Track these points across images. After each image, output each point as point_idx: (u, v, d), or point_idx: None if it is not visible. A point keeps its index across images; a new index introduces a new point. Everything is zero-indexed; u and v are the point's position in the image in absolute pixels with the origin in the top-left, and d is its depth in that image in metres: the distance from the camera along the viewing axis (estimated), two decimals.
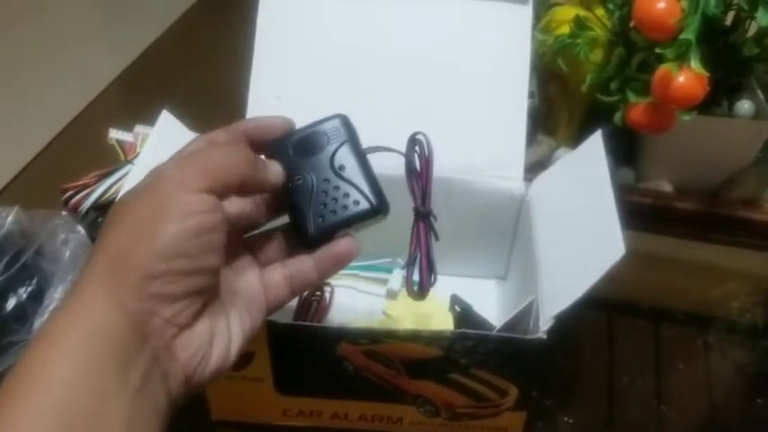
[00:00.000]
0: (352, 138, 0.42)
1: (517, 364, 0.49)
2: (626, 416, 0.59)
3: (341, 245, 0.41)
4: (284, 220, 0.43)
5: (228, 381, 0.52)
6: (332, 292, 0.64)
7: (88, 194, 0.63)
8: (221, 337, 0.37)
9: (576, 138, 0.70)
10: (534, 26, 0.69)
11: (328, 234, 0.41)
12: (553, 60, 0.68)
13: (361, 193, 0.41)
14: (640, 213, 0.70)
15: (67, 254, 0.56)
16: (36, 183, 0.76)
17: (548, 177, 0.57)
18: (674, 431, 0.58)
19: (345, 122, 0.43)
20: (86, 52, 1.85)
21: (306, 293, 0.63)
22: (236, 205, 0.41)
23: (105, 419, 0.31)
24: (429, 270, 0.44)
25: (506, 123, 0.59)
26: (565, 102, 0.72)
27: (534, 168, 0.60)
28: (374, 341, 0.48)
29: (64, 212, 0.58)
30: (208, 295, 0.36)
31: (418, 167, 0.44)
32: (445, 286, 0.59)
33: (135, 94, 0.93)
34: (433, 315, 0.60)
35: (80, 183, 0.64)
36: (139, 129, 0.68)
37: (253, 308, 0.40)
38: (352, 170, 0.41)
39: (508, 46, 0.60)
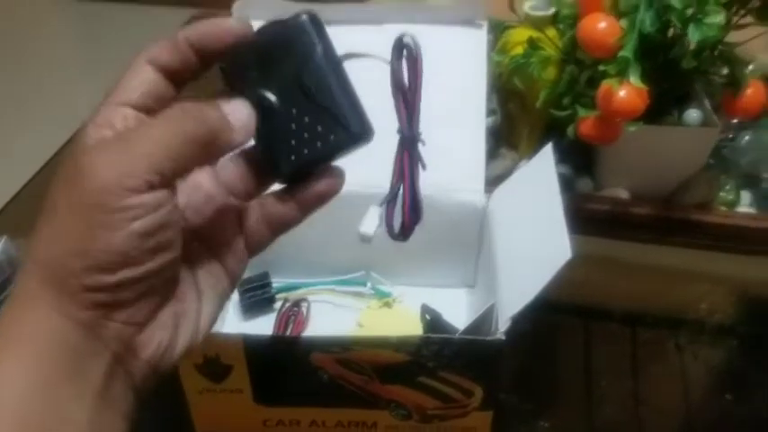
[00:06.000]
0: (323, 42, 0.33)
1: (480, 365, 0.51)
2: (605, 418, 0.61)
3: (322, 184, 0.35)
4: None
5: (210, 393, 0.54)
6: (308, 308, 0.67)
7: None
8: (188, 317, 0.33)
9: (538, 150, 0.73)
10: (492, 48, 0.73)
11: (306, 171, 0.35)
12: (510, 79, 0.72)
13: (337, 119, 0.33)
14: (600, 220, 0.73)
15: None
16: (23, 214, 0.77)
17: (505, 189, 0.60)
18: (653, 430, 0.61)
19: (314, 22, 0.33)
20: (70, 86, 1.89)
21: (283, 310, 0.66)
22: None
23: (66, 427, 0.29)
24: (413, 207, 0.39)
25: (467, 140, 0.62)
26: (524, 117, 0.76)
27: (499, 181, 0.63)
28: (345, 349, 0.50)
29: None
30: (166, 288, 0.32)
31: (406, 80, 0.37)
32: (417, 296, 0.63)
33: None
34: (404, 324, 0.63)
35: None
36: None
37: (232, 263, 0.36)
38: (326, 89, 0.33)
39: (466, 67, 0.63)
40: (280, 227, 0.36)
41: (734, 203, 0.75)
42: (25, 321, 0.30)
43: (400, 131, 0.38)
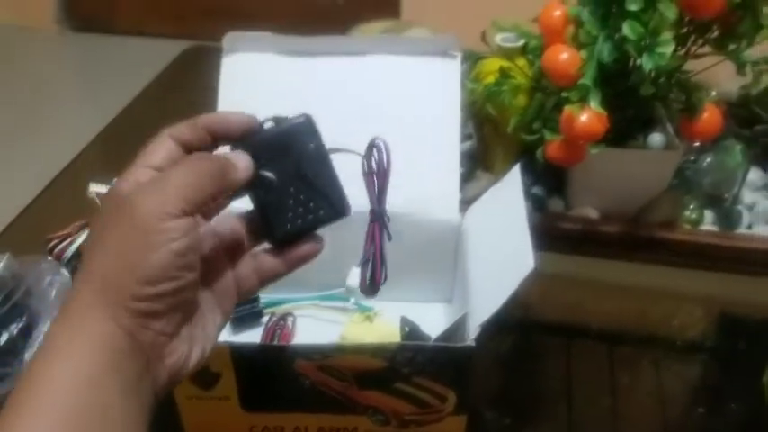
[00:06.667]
0: (316, 141, 0.43)
1: (452, 371, 0.54)
2: None
3: (307, 246, 0.44)
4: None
5: (199, 401, 0.56)
6: (294, 321, 0.70)
7: (70, 243, 0.68)
8: (199, 339, 0.40)
9: None
10: (466, 77, 0.76)
11: (295, 237, 0.43)
12: (484, 106, 0.76)
13: (326, 198, 0.43)
14: (571, 238, 0.76)
15: (53, 294, 0.62)
16: (25, 233, 0.81)
17: (477, 207, 0.64)
18: None
19: (310, 124, 0.43)
20: (68, 115, 1.93)
21: (270, 323, 0.70)
22: None
23: (107, 421, 0.35)
24: (381, 268, 0.48)
25: (443, 162, 0.66)
26: (498, 141, 0.79)
27: (474, 202, 0.65)
28: (326, 356, 0.53)
29: (49, 258, 0.64)
30: (189, 306, 0.40)
31: (375, 169, 0.47)
32: (397, 311, 0.65)
33: (113, 152, 0.97)
34: (385, 337, 0.65)
35: (63, 233, 0.69)
36: None
37: (225, 302, 0.43)
38: (317, 175, 0.43)
39: (441, 95, 0.66)
40: (267, 278, 0.44)
41: (697, 222, 0.78)
42: (79, 323, 0.36)
43: (371, 209, 0.48)
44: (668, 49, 0.59)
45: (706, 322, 0.76)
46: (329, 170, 0.43)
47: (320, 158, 0.43)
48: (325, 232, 0.44)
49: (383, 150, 0.46)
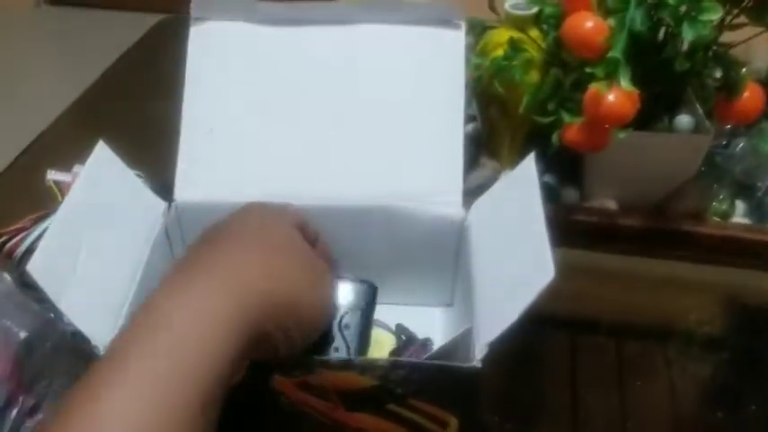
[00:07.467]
0: (369, 307, 0.53)
1: (454, 393, 0.48)
2: None
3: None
4: None
5: None
6: None
7: (24, 238, 0.63)
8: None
9: (520, 159, 0.71)
10: (471, 50, 0.70)
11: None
12: (491, 83, 0.69)
13: (348, 350, 0.50)
14: (587, 232, 0.71)
15: None
16: None
17: (484, 201, 0.57)
18: None
19: (372, 292, 0.53)
20: (37, 94, 1.87)
21: None
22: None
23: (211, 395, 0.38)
24: None
25: (443, 148, 0.60)
26: (505, 124, 0.73)
27: (479, 192, 0.60)
28: (308, 371, 0.48)
29: None
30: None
31: (406, 354, 0.56)
32: (391, 315, 0.60)
33: (75, 134, 0.91)
34: (379, 345, 0.59)
35: (16, 227, 0.64)
36: (77, 168, 0.68)
37: None
38: (353, 333, 0.51)
39: (442, 71, 0.60)
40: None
41: (728, 214, 0.73)
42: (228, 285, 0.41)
43: None
44: (714, 17, 0.52)
45: (729, 318, 0.72)
46: (364, 338, 0.52)
47: (362, 324, 0.52)
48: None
49: (428, 350, 0.55)
